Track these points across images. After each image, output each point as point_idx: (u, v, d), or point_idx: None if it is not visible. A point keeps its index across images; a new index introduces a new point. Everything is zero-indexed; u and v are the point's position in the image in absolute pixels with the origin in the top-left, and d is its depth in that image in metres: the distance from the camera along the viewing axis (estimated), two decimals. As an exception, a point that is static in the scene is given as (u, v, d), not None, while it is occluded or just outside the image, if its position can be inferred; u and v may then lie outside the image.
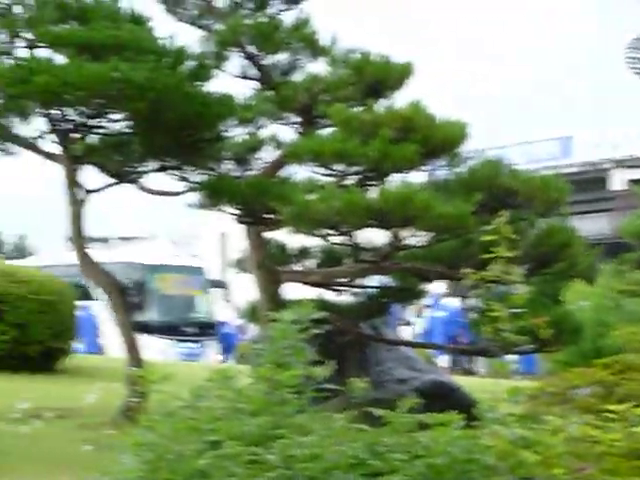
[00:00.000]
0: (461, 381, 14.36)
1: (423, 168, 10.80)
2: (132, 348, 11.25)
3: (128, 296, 29.53)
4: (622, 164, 38.38)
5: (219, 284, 33.97)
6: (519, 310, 4.04)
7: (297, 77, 11.45)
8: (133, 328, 11.60)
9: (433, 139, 10.32)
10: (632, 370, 8.27)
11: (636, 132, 38.66)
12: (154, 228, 42.91)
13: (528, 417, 3.97)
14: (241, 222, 11.36)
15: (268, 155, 11.80)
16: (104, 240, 35.89)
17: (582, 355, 19.90)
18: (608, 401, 8.19)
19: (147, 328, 28.81)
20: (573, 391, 10.88)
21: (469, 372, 24.25)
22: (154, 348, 27.36)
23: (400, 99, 10.82)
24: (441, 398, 11.48)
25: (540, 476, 3.80)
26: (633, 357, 8.30)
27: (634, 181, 35.18)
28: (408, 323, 26.15)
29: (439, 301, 25.01)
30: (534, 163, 37.69)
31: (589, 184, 35.78)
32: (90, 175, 11.56)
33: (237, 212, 11.15)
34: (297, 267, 12.30)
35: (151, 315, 29.33)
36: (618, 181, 38.29)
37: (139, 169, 11.58)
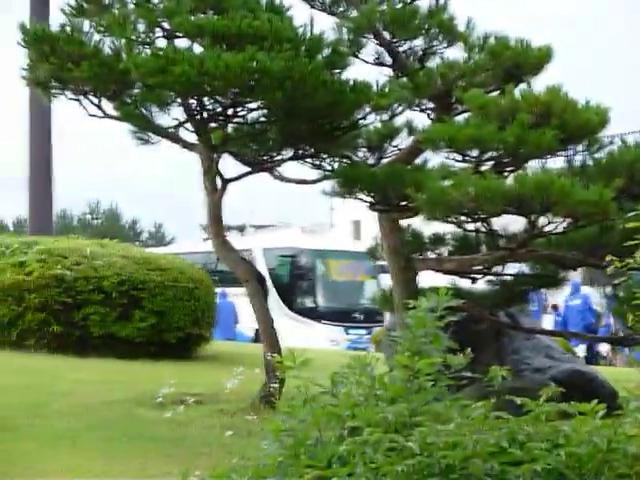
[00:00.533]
0: (600, 371, 14.11)
1: (561, 154, 10.61)
2: (270, 334, 11.39)
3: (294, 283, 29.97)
4: None
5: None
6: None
7: (433, 63, 11.38)
8: (270, 314, 11.73)
9: (572, 124, 10.12)
10: None
11: None
12: (287, 216, 43.28)
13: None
14: (375, 209, 11.37)
15: (403, 142, 11.77)
16: (240, 228, 36.42)
17: None
18: None
19: (316, 315, 29.11)
20: None
21: (607, 362, 23.78)
22: (324, 335, 27.66)
23: (539, 84, 10.65)
24: (580, 387, 11.29)
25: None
26: None
27: None
28: (556, 307, 25.70)
29: (578, 289, 24.54)
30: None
31: None
32: (227, 164, 11.75)
33: (371, 199, 11.16)
34: (432, 254, 12.24)
35: (321, 302, 29.47)
36: None
37: (275, 157, 11.70)
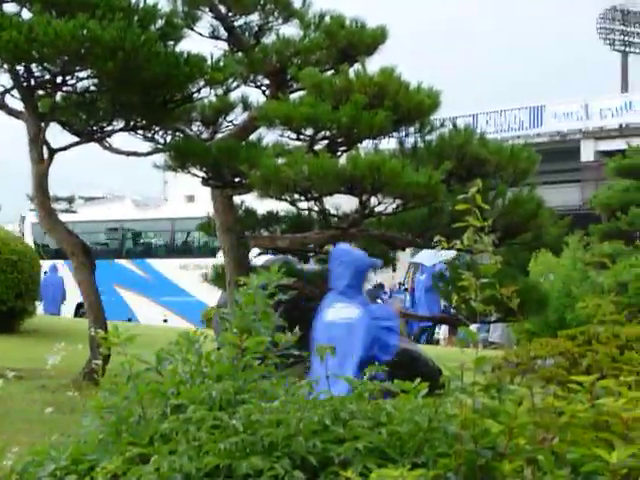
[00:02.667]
0: (427, 350, 14.41)
1: (394, 135, 10.75)
2: (95, 309, 11.16)
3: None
4: (592, 135, 38.51)
5: None
6: (487, 280, 4.01)
7: (268, 39, 11.35)
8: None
9: (404, 106, 10.27)
10: (597, 342, 8.26)
11: (607, 104, 38.78)
12: (119, 189, 42.55)
13: (493, 386, 3.95)
14: (208, 185, 11.28)
15: (237, 118, 11.71)
16: (69, 200, 35.57)
17: (548, 326, 20.06)
18: (573, 372, 8.23)
19: None
20: (538, 361, 10.94)
21: (445, 343, 24.20)
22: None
23: (375, 64, 10.74)
24: (405, 366, 11.50)
25: (503, 445, 3.79)
26: (598, 329, 8.29)
27: (604, 152, 35.37)
28: (382, 287, 25.80)
29: (425, 270, 24.54)
30: (504, 132, 37.83)
31: (559, 155, 35.88)
32: (55, 133, 11.43)
33: (204, 174, 11.06)
34: (265, 232, 12.24)
35: None
36: (588, 152, 38.43)
37: (106, 128, 11.45)
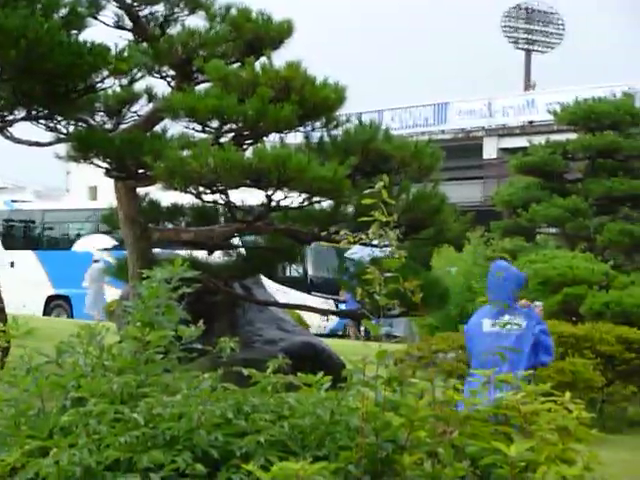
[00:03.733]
0: (334, 344, 14.49)
1: (300, 129, 10.77)
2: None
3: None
4: (495, 133, 39.09)
5: None
6: (391, 274, 4.05)
7: (174, 30, 11.26)
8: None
9: (310, 101, 10.30)
10: (497, 336, 8.39)
11: (510, 102, 39.41)
12: (19, 179, 41.78)
13: (394, 380, 3.99)
14: (111, 176, 11.14)
15: (142, 109, 11.60)
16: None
17: (449, 320, 20.36)
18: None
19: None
20: (439, 355, 11.08)
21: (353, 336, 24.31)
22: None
23: (282, 58, 10.74)
24: (310, 359, 11.55)
25: (404, 438, 3.83)
26: (498, 323, 8.42)
27: (506, 150, 35.93)
28: None
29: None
30: (409, 129, 38.21)
31: (462, 151, 36.36)
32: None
33: (107, 165, 10.93)
34: (169, 225, 12.16)
35: None
36: (490, 149, 39.02)
37: (7, 117, 11.22)
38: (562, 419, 4.25)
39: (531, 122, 37.84)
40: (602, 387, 11.22)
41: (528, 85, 49.49)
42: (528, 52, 52.37)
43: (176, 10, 11.22)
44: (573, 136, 23.59)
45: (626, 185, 22.17)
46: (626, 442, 10.72)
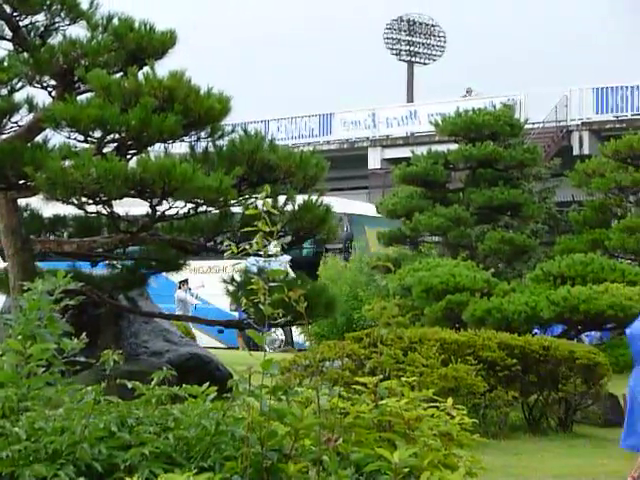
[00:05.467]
0: (222, 354, 14.45)
1: (185, 139, 10.73)
2: None
3: None
4: (379, 143, 39.52)
5: None
6: (277, 283, 4.07)
7: (55, 40, 11.09)
8: None
9: (195, 110, 10.28)
10: (382, 344, 8.48)
11: (393, 113, 39.89)
12: None
13: (280, 389, 4.00)
14: (-8, 187, 10.92)
15: (23, 119, 11.38)
16: None
17: (336, 328, 20.47)
18: (359, 374, 8.43)
19: None
20: (326, 363, 11.14)
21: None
22: None
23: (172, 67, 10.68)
24: (197, 371, 11.51)
25: (289, 447, 3.84)
26: (383, 331, 8.51)
27: (390, 160, 36.35)
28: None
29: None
30: (295, 139, 38.37)
31: (347, 162, 36.66)
32: None
33: (-13, 177, 10.70)
34: (51, 236, 11.97)
35: None
36: (375, 160, 39.42)
37: None
38: (445, 425, 4.33)
39: (413, 133, 38.39)
40: (484, 393, 11.40)
41: (411, 97, 50.15)
42: (410, 64, 53.08)
43: (57, 20, 11.06)
44: (455, 146, 24.05)
45: (506, 194, 22.69)
46: (508, 447, 10.94)
